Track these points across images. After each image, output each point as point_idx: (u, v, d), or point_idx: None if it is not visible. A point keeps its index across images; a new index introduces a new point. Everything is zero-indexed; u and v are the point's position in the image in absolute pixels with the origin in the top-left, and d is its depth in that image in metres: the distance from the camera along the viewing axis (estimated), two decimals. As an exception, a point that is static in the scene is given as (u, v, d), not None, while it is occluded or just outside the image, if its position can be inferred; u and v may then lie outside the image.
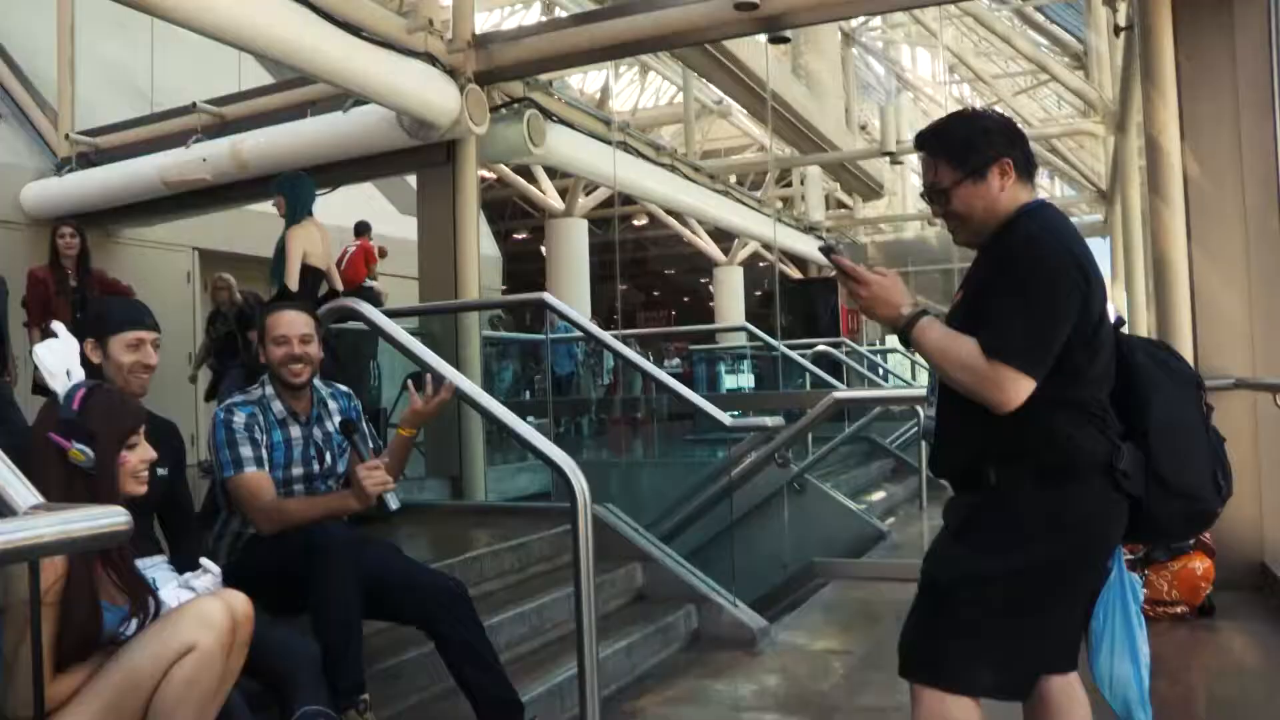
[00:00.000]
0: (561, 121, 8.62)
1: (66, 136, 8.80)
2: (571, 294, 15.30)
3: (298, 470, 3.13)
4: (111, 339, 2.65)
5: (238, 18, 5.14)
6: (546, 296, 5.48)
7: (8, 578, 1.91)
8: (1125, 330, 2.19)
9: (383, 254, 11.52)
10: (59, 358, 2.18)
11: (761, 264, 22.88)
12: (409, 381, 3.02)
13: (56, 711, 2.01)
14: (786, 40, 10.66)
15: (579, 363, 9.96)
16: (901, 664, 2.12)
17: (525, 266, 23.20)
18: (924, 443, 2.44)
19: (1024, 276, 1.97)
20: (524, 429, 3.19)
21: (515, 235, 27.21)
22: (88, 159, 8.70)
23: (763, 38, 8.77)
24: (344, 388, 3.42)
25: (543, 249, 17.73)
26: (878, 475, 9.55)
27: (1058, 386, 1.96)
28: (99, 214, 8.49)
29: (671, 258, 29.75)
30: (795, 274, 20.88)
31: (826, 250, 2.23)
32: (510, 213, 25.12)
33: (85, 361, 2.56)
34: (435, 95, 6.36)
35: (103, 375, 2.61)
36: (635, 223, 26.82)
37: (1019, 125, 2.23)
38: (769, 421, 4.77)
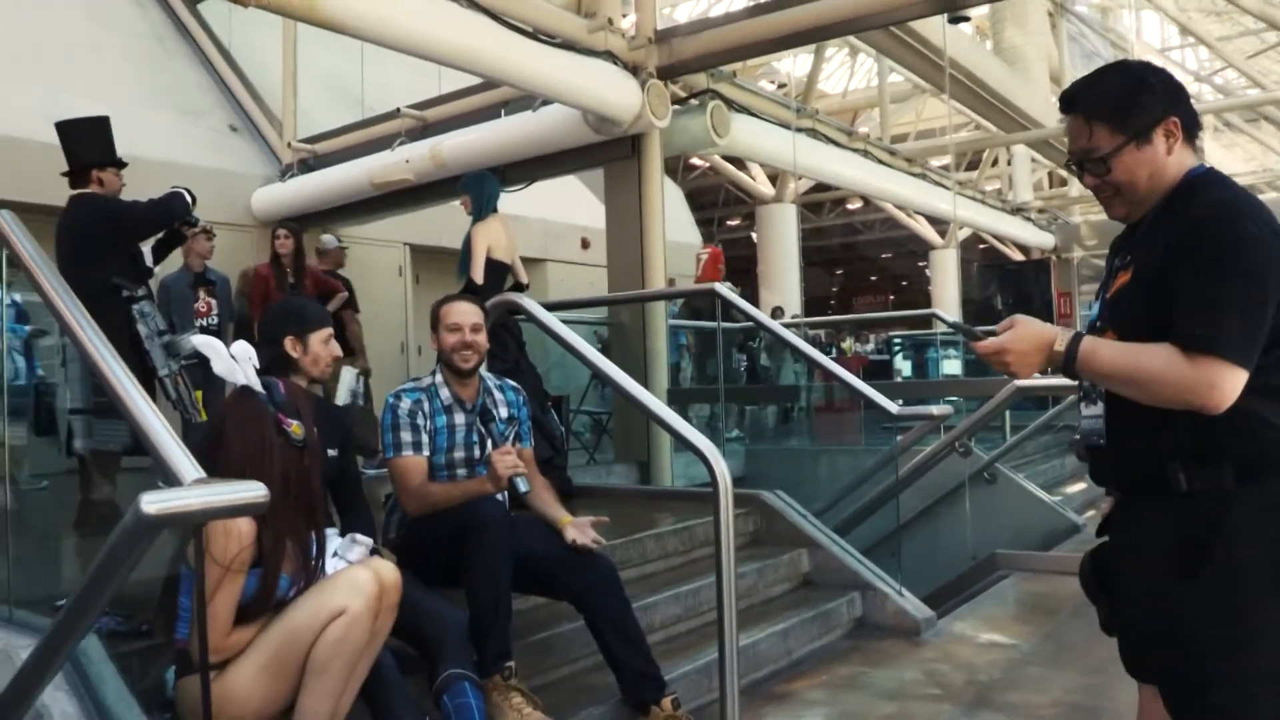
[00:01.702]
0: (747, 111, 8.66)
1: (289, 144, 9.49)
2: (781, 280, 15.34)
3: (459, 454, 3.35)
4: (311, 335, 2.98)
5: (427, 33, 5.40)
6: (717, 286, 5.58)
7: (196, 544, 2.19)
8: None
9: (585, 245, 11.92)
10: (242, 359, 2.50)
11: (981, 245, 22.19)
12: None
13: (231, 661, 2.31)
14: (966, 19, 10.27)
15: (685, 352, 9.90)
16: None
17: (737, 254, 23.33)
18: (1078, 448, 2.16)
19: (1220, 253, 1.70)
20: (669, 415, 3.30)
21: (728, 221, 27.37)
22: (307, 164, 9.36)
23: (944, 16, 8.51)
24: (513, 383, 3.64)
25: (753, 235, 17.81)
26: (1080, 465, 9.12)
27: (1254, 371, 1.68)
28: (317, 214, 9.15)
29: (887, 241, 29.34)
30: (1018, 256, 20.17)
31: (966, 332, 2.05)
32: (723, 200, 25.31)
33: (283, 354, 2.91)
34: (616, 92, 6.52)
35: (297, 366, 2.94)
36: (849, 206, 26.48)
37: (1249, 88, 1.93)
38: (935, 410, 4.71)
